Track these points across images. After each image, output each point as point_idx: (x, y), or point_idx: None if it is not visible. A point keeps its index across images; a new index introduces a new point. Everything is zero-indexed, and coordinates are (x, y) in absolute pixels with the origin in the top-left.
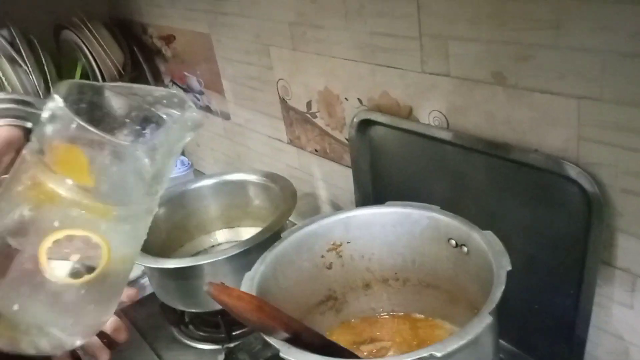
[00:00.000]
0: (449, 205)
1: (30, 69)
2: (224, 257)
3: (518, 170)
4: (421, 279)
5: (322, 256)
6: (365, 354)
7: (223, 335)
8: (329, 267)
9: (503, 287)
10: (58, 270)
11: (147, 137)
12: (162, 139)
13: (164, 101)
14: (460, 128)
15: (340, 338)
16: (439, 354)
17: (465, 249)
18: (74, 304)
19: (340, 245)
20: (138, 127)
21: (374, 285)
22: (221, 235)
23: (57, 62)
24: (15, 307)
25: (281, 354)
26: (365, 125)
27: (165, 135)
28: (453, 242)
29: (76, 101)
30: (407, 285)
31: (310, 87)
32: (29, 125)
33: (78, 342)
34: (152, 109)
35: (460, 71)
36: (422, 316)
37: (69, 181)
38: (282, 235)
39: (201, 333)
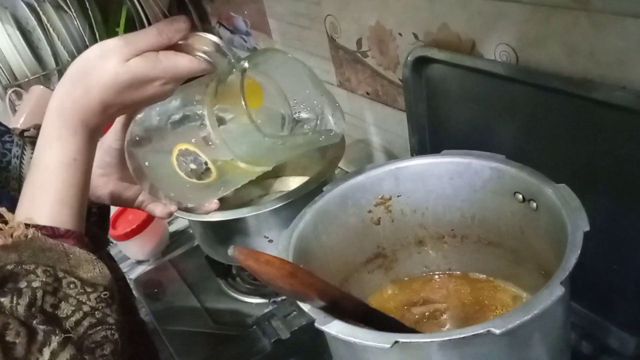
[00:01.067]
0: (518, 155)
1: (74, 14)
2: (267, 209)
3: (602, 112)
4: (482, 236)
5: (370, 211)
6: (416, 316)
7: (270, 289)
8: (377, 223)
9: (579, 251)
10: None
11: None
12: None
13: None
14: (533, 64)
15: (391, 298)
16: (497, 331)
17: (534, 204)
18: (184, 190)
19: (389, 199)
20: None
21: (428, 242)
22: (269, 185)
23: (103, 7)
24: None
25: (316, 324)
26: (421, 63)
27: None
28: (520, 196)
29: None
30: (466, 242)
31: (360, 22)
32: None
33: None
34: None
35: None
36: (482, 276)
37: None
38: (324, 189)
39: (248, 286)
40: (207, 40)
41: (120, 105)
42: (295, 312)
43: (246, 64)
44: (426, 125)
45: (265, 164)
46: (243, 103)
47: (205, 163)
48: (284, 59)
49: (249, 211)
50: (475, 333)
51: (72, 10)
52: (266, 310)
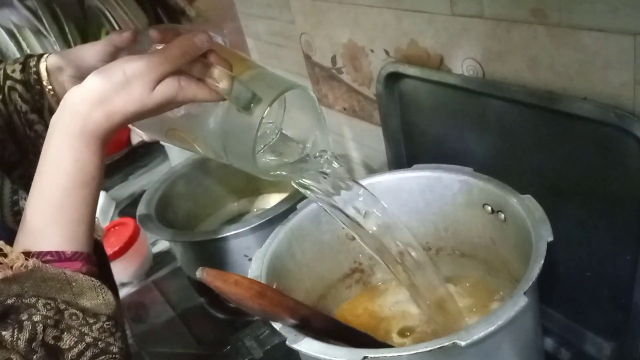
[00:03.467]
0: (490, 165)
1: (54, 38)
2: (245, 228)
3: (565, 123)
4: (456, 247)
5: (344, 227)
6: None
7: None
8: (353, 239)
9: (542, 261)
10: None
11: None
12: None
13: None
14: (498, 77)
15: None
16: (463, 343)
17: (502, 215)
18: None
19: (363, 214)
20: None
21: (404, 255)
22: (249, 203)
23: (82, 30)
24: None
25: (287, 343)
26: (393, 79)
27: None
28: (489, 208)
29: None
30: (441, 254)
31: (333, 39)
32: None
33: None
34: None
35: (495, 10)
36: (458, 287)
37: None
38: (297, 207)
39: (232, 305)
40: (224, 74)
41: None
42: (267, 331)
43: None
44: (402, 139)
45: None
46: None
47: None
48: (301, 94)
49: (227, 230)
50: (441, 345)
51: (51, 35)
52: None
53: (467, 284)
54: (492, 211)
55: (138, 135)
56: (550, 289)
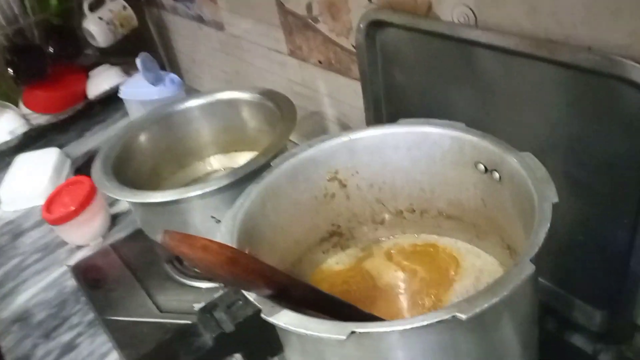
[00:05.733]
0: (479, 123)
1: None
2: (212, 188)
3: (566, 75)
4: (442, 210)
5: (323, 187)
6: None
7: None
8: (332, 199)
9: (548, 225)
10: None
11: None
12: None
13: None
14: (492, 24)
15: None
16: (464, 316)
17: (497, 174)
18: None
19: (344, 173)
20: None
21: (386, 218)
22: (216, 162)
23: None
24: None
25: (263, 315)
26: (375, 28)
27: None
28: (482, 166)
29: None
30: (425, 217)
31: None
32: None
33: None
34: None
35: None
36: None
37: None
38: (272, 164)
39: (197, 271)
40: None
41: None
42: (240, 302)
43: None
44: (382, 95)
45: None
46: None
47: None
48: None
49: (192, 190)
50: (439, 319)
51: None
52: (216, 295)
53: (454, 249)
54: (486, 170)
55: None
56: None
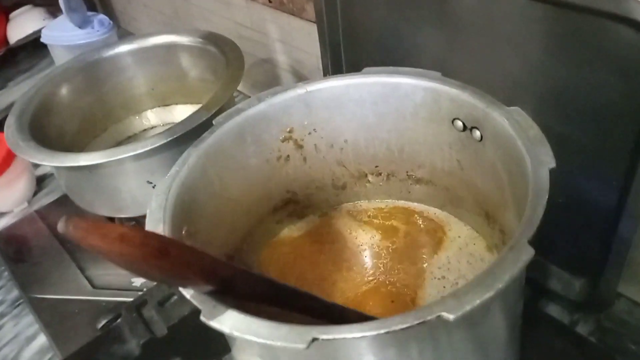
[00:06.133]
0: (448, 69)
1: None
2: (145, 149)
3: (557, 15)
4: (411, 172)
5: (276, 148)
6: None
7: None
8: (286, 163)
9: (546, 197)
10: None
11: None
12: None
13: None
14: None
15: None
16: (451, 317)
17: (477, 133)
18: None
19: (299, 131)
20: None
21: (348, 182)
22: (154, 117)
23: None
24: None
25: (202, 318)
26: None
27: None
28: (460, 123)
29: None
30: (392, 180)
31: None
32: None
33: None
34: None
35: None
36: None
37: None
38: (214, 122)
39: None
40: None
41: None
42: (175, 297)
43: None
44: (341, 39)
45: None
46: None
47: None
48: None
49: (122, 152)
50: (422, 321)
51: None
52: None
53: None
54: (465, 127)
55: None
56: None
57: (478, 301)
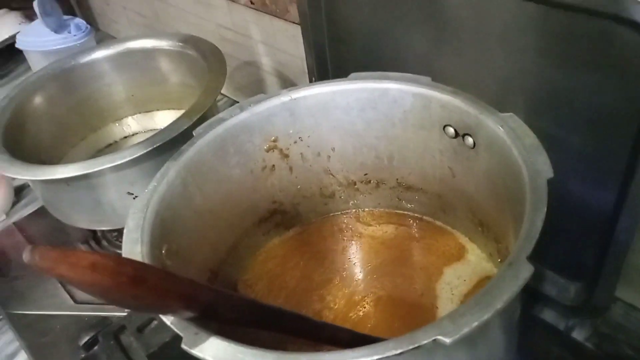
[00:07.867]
0: (443, 77)
1: None
2: (125, 159)
3: (553, 16)
4: (401, 180)
5: (260, 159)
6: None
7: None
8: (271, 173)
9: (545, 209)
10: None
11: None
12: None
13: None
14: None
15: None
16: (447, 340)
17: (470, 140)
18: None
19: (284, 140)
20: None
21: (336, 190)
22: (135, 123)
23: None
24: None
25: (184, 346)
26: None
27: None
28: (451, 130)
29: None
30: (382, 188)
31: None
32: None
33: None
34: None
35: None
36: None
37: None
38: (194, 133)
39: (118, 250)
40: None
41: None
42: (155, 322)
43: None
44: (326, 41)
45: None
46: None
47: None
48: None
49: (101, 163)
50: (417, 345)
51: None
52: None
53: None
54: (456, 134)
55: None
56: None
57: (475, 323)
